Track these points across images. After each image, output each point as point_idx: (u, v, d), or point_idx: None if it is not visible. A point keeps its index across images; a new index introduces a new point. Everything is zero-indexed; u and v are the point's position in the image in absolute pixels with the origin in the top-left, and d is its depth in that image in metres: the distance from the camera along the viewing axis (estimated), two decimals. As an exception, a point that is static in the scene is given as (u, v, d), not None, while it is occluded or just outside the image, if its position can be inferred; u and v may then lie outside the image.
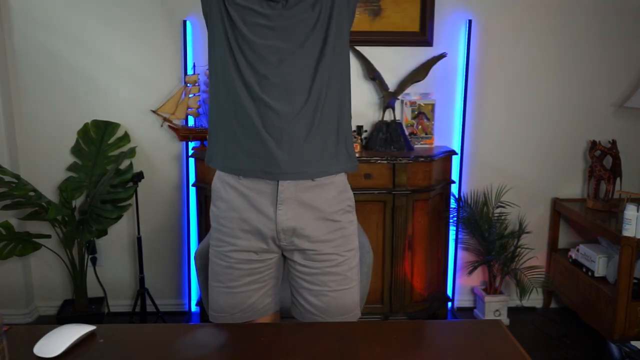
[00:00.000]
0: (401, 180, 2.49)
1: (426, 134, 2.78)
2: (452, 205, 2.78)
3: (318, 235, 1.31)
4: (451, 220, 2.80)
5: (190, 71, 2.71)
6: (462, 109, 2.81)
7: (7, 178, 2.48)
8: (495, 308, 2.81)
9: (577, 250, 2.73)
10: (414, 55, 2.77)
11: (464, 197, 2.86)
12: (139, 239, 2.71)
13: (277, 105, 1.23)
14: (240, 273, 1.33)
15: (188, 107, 2.67)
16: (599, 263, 2.56)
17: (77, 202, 2.76)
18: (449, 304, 2.92)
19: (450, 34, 2.77)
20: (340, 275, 1.34)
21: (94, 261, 2.82)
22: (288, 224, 1.29)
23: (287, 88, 1.23)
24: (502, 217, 2.79)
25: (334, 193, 1.32)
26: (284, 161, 1.25)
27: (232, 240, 1.32)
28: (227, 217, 1.33)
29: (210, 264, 1.38)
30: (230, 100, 1.27)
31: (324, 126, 1.28)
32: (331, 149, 1.31)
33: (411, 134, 2.76)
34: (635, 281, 2.39)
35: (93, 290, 2.82)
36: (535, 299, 2.99)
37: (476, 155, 2.89)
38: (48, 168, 2.77)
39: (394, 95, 2.73)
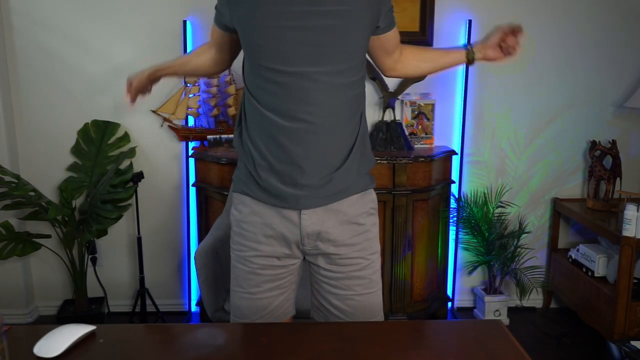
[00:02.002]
0: (401, 180, 2.49)
1: (426, 134, 2.78)
2: (452, 205, 2.78)
3: (342, 239, 1.30)
4: (451, 220, 2.80)
5: (190, 71, 2.70)
6: (462, 109, 2.81)
7: (7, 178, 2.48)
8: (495, 308, 2.81)
9: (577, 250, 2.73)
10: (414, 55, 2.76)
11: (464, 197, 2.86)
12: (139, 239, 2.71)
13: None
14: (263, 279, 1.31)
15: (188, 107, 2.67)
16: (599, 263, 2.56)
17: (77, 202, 2.76)
18: (449, 304, 2.92)
19: (450, 34, 2.77)
20: (366, 279, 1.32)
21: (94, 261, 2.82)
22: (313, 228, 1.28)
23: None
24: (502, 217, 2.79)
25: (357, 196, 1.32)
26: (306, 199, 1.27)
27: (255, 245, 1.30)
28: (250, 222, 1.31)
29: (232, 269, 1.36)
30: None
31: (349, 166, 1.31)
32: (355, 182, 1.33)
33: (411, 134, 2.76)
34: (635, 281, 2.40)
35: (93, 290, 2.82)
36: (535, 299, 3.00)
37: (476, 155, 2.89)
38: (48, 168, 2.78)
39: (394, 95, 2.73)
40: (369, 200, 1.34)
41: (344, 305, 1.32)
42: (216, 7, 1.33)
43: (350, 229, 1.30)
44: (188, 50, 2.71)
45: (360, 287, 1.32)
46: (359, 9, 1.21)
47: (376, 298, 1.35)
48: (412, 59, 1.45)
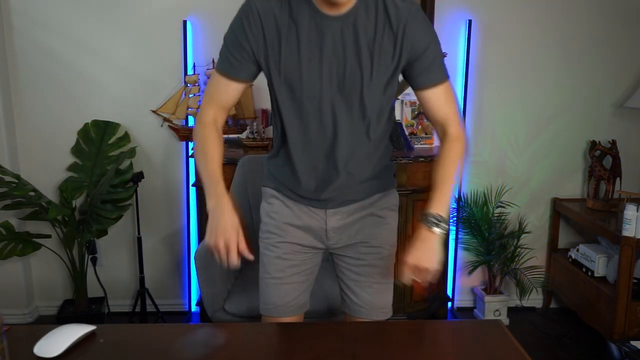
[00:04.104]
0: (401, 180, 2.49)
1: (426, 134, 2.78)
2: (452, 205, 2.78)
3: (365, 228, 1.40)
4: (451, 220, 2.80)
5: (190, 71, 2.71)
6: (462, 109, 2.81)
7: (7, 178, 2.48)
8: (495, 308, 2.81)
9: (577, 250, 2.72)
10: (414, 55, 2.76)
11: (464, 197, 2.86)
12: (139, 239, 2.71)
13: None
14: (288, 264, 1.39)
15: (188, 107, 2.67)
16: (599, 263, 2.56)
17: (77, 202, 2.76)
18: (449, 304, 2.92)
19: (450, 34, 2.77)
20: (384, 269, 1.42)
21: (94, 261, 2.81)
22: (338, 222, 1.38)
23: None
24: (502, 217, 2.79)
25: (379, 194, 1.42)
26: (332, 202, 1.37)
27: (282, 232, 1.39)
28: (280, 212, 1.39)
29: (260, 257, 1.43)
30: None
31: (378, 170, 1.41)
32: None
33: (411, 134, 2.76)
34: (635, 281, 2.39)
35: (93, 290, 2.82)
36: (535, 299, 2.99)
37: (476, 155, 2.89)
38: (48, 168, 2.77)
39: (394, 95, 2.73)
40: (391, 197, 1.46)
41: (364, 292, 1.41)
42: (226, 53, 1.28)
43: (372, 220, 1.41)
44: (188, 51, 2.70)
45: (379, 276, 1.42)
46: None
47: (390, 289, 1.46)
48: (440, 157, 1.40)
